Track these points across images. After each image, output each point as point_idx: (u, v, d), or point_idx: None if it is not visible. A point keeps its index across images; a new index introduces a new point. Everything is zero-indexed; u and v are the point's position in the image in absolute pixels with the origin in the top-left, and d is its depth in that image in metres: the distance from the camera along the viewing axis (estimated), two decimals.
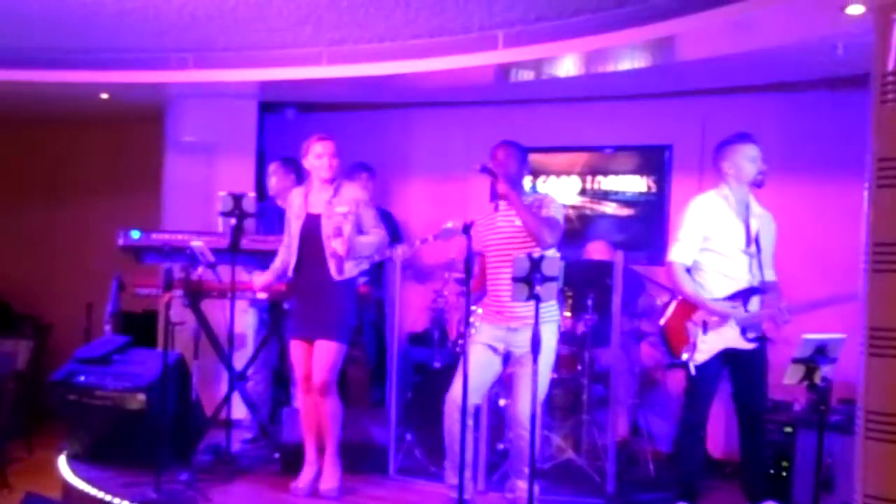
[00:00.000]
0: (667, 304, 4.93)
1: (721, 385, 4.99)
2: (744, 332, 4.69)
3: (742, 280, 4.74)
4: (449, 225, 5.53)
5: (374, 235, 5.19)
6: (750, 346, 4.69)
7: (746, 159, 4.76)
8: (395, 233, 6.93)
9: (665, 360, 4.98)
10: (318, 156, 5.13)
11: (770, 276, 4.82)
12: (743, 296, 4.73)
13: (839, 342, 4.23)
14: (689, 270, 4.79)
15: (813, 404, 5.13)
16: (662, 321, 4.87)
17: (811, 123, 6.30)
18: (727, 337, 4.70)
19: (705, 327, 4.71)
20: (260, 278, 5.41)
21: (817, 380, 4.22)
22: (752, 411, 4.78)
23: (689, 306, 4.77)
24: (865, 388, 4.15)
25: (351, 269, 5.13)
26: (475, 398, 4.75)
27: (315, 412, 5.18)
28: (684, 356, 4.73)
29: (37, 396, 7.40)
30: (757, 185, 4.81)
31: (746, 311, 4.71)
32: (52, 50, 6.69)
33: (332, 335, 5.07)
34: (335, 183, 5.18)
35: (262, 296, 5.70)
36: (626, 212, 7.01)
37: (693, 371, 4.72)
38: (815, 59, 5.52)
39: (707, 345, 4.71)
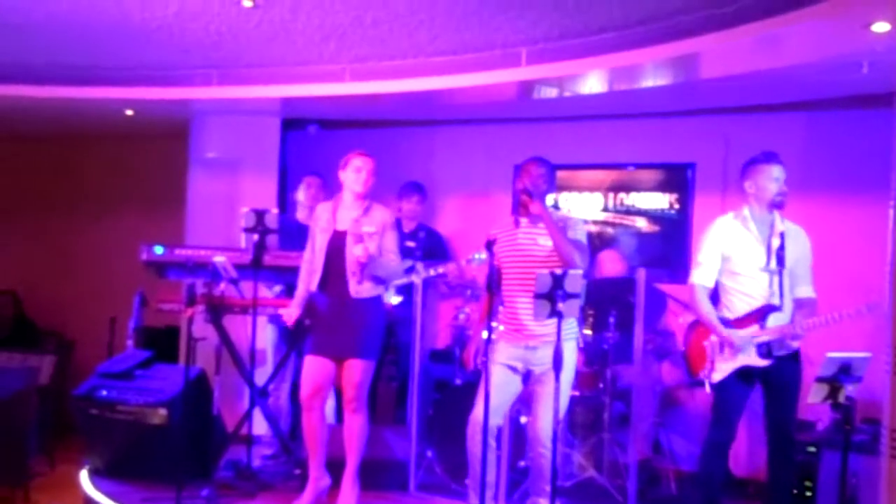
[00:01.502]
0: (689, 326, 4.92)
1: (747, 404, 4.95)
2: (759, 349, 4.66)
3: (760, 298, 4.71)
4: (479, 256, 5.59)
5: (392, 261, 5.17)
6: (763, 363, 4.65)
7: (769, 180, 4.72)
8: (441, 250, 6.96)
9: (686, 379, 4.96)
10: (356, 170, 5.13)
11: (803, 292, 4.74)
12: (759, 313, 4.69)
13: (864, 361, 4.19)
14: (715, 292, 4.78)
15: (837, 424, 5.08)
16: (684, 343, 4.87)
17: (835, 142, 6.26)
18: (741, 355, 4.68)
19: (721, 346, 4.69)
20: (290, 313, 5.30)
21: (841, 399, 4.18)
22: (780, 429, 4.72)
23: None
24: (891, 407, 4.11)
25: (370, 289, 5.11)
26: (497, 418, 4.72)
27: (318, 429, 5.14)
28: (702, 374, 4.73)
29: (59, 411, 7.42)
30: (777, 206, 4.76)
31: (763, 328, 4.67)
32: (76, 67, 6.74)
33: (361, 353, 5.05)
34: (366, 202, 5.18)
35: (283, 311, 5.71)
36: (649, 229, 6.99)
37: (709, 389, 4.71)
38: (839, 78, 5.48)
39: (724, 363, 4.69)
